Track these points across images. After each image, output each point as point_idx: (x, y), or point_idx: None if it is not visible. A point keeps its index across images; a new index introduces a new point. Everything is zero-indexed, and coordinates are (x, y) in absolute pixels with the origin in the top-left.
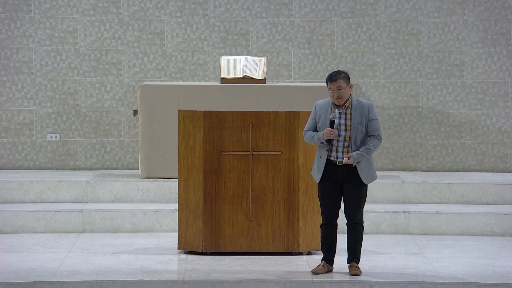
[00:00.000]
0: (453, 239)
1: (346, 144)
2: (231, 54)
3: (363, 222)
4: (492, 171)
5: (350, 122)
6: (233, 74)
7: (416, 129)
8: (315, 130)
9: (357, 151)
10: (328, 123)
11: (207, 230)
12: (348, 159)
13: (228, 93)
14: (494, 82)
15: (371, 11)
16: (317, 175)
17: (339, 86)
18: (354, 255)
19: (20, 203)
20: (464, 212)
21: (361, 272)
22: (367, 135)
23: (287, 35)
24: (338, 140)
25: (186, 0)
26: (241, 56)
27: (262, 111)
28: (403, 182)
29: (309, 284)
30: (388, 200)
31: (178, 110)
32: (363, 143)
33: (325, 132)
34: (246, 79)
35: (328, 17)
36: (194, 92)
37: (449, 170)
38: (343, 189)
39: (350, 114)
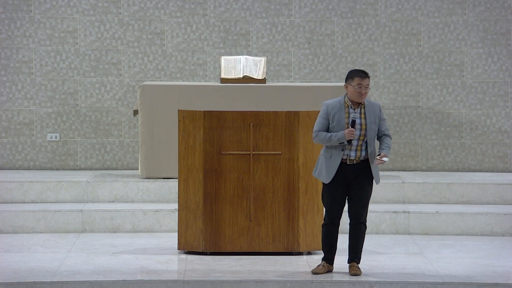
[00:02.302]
0: (453, 239)
1: (360, 143)
2: (231, 54)
3: (366, 222)
4: (492, 171)
5: (364, 121)
6: (233, 74)
7: (416, 129)
8: (327, 130)
9: (384, 149)
10: (343, 122)
11: (207, 230)
12: (382, 157)
13: (228, 93)
14: (494, 82)
15: (371, 11)
16: (326, 176)
17: (368, 84)
18: (355, 255)
19: (20, 203)
20: (464, 212)
21: (361, 272)
22: (379, 133)
23: (287, 35)
24: (352, 139)
25: (186, 0)
26: (241, 56)
27: (262, 111)
28: (403, 182)
29: (309, 284)
30: (388, 200)
31: (178, 110)
32: (373, 141)
33: (347, 132)
34: (246, 79)
35: (328, 17)
36: (194, 92)
37: (449, 170)
38: (350, 188)
39: (364, 113)
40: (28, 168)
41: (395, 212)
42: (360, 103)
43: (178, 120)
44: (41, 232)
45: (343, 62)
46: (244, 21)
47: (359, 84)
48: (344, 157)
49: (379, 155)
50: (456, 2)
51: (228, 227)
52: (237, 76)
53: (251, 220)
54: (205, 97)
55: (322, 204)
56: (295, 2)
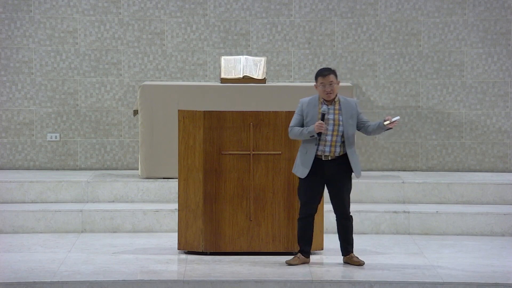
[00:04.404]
0: (453, 239)
1: (334, 138)
2: (231, 54)
3: (351, 215)
4: (492, 171)
5: (339, 117)
6: (233, 74)
7: (416, 129)
8: (302, 126)
9: (381, 120)
10: (316, 118)
11: (207, 230)
12: (392, 119)
13: (228, 93)
14: (494, 82)
15: (371, 11)
16: (302, 171)
17: (332, 81)
18: (349, 246)
19: (20, 203)
20: (464, 212)
21: (363, 261)
22: (360, 125)
23: (287, 35)
24: (326, 134)
25: (186, 0)
26: (241, 56)
27: (262, 111)
28: (403, 182)
29: (309, 284)
30: (388, 200)
31: (178, 110)
32: (353, 137)
33: (317, 125)
34: (246, 79)
35: (328, 17)
36: (194, 92)
37: (449, 170)
38: (330, 186)
39: (339, 109)
40: (28, 168)
41: (395, 212)
42: (333, 100)
43: (178, 120)
44: (41, 232)
45: (343, 62)
46: (244, 21)
47: (322, 83)
48: (319, 153)
49: (385, 121)
50: (456, 2)
51: (228, 227)
52: (237, 76)
53: (251, 220)
54: (205, 97)
55: (320, 204)
56: (295, 2)
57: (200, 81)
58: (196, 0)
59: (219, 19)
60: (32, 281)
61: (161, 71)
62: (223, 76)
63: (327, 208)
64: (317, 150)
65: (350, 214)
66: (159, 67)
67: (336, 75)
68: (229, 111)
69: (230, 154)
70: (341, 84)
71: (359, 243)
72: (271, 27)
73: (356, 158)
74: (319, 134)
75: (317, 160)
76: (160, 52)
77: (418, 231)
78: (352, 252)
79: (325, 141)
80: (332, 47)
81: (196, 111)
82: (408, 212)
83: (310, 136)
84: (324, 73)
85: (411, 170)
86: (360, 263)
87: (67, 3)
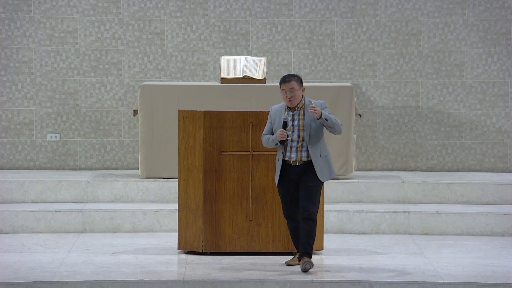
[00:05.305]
0: (453, 239)
1: (300, 144)
2: (231, 54)
3: (315, 219)
4: (492, 171)
5: (303, 122)
6: (233, 74)
7: (416, 129)
8: (272, 134)
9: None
10: (281, 125)
11: (207, 230)
12: (315, 110)
13: (228, 93)
14: (494, 82)
15: (371, 11)
16: (275, 178)
17: (292, 88)
18: (305, 251)
19: (20, 203)
20: (464, 212)
21: (313, 265)
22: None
23: (287, 35)
24: (292, 141)
25: (186, 0)
26: (241, 56)
27: (262, 111)
28: (403, 182)
29: (309, 284)
30: (388, 200)
31: (178, 110)
32: (317, 139)
33: (278, 133)
34: (246, 79)
35: (328, 17)
36: (194, 92)
37: (449, 170)
38: (299, 187)
39: (303, 114)
40: (28, 168)
41: (395, 212)
42: (297, 106)
43: (178, 120)
44: (41, 232)
45: (343, 62)
46: (244, 21)
47: (282, 90)
48: (287, 159)
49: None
50: (456, 2)
51: (228, 227)
52: (237, 76)
53: (251, 220)
54: (205, 97)
55: (320, 204)
56: (295, 2)
57: (200, 81)
58: (196, 0)
59: (219, 19)
60: (32, 281)
61: (161, 71)
62: (223, 76)
63: (327, 208)
64: (285, 156)
65: (310, 217)
66: (159, 67)
67: (299, 81)
68: (229, 111)
69: (230, 154)
70: (341, 84)
71: (359, 243)
72: (271, 27)
73: (322, 161)
74: (282, 141)
75: (287, 166)
76: (160, 52)
77: (418, 231)
78: (307, 257)
79: (291, 147)
80: (332, 47)
81: (196, 111)
82: (408, 212)
83: (275, 144)
84: (285, 80)
85: (411, 170)
86: (305, 269)
87: (67, 3)
